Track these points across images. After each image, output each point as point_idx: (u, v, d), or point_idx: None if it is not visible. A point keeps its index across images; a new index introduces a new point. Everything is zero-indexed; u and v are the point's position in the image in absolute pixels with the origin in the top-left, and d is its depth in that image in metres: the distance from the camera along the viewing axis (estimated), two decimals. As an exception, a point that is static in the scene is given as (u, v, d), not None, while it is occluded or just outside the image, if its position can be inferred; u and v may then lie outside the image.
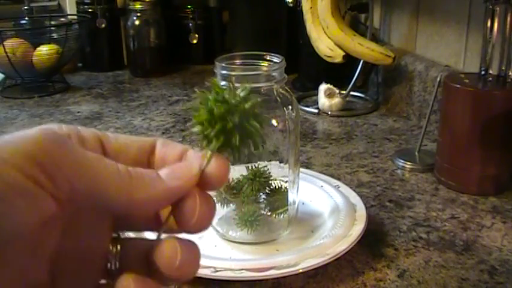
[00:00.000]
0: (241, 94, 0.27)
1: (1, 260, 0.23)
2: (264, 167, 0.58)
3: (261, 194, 0.59)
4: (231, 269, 0.50)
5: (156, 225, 0.29)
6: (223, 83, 0.55)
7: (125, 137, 0.30)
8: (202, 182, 0.28)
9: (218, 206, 0.59)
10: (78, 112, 1.07)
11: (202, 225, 0.27)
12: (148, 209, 0.27)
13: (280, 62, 0.56)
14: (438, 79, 0.77)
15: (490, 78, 0.68)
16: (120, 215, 0.28)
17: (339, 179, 0.70)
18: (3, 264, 0.23)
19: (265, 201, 0.59)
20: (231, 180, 0.58)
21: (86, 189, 0.24)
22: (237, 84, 0.28)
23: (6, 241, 0.22)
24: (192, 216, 0.27)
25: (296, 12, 1.13)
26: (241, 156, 0.28)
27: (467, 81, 0.69)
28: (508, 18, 0.65)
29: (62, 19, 1.40)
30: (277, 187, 0.59)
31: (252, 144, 0.28)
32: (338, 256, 0.52)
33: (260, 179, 0.57)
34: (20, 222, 0.23)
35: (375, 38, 1.10)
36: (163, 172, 0.27)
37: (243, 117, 0.27)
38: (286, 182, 0.58)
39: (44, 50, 1.20)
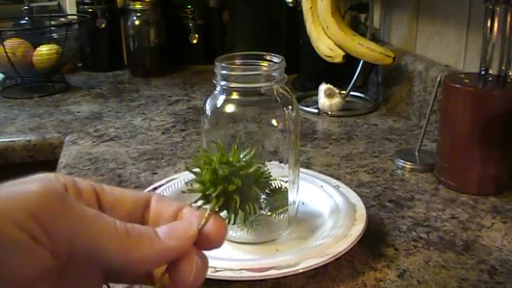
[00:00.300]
0: (245, 158, 0.27)
1: None
2: (264, 167, 0.58)
3: (261, 194, 0.59)
4: (231, 269, 0.50)
5: (147, 279, 0.29)
6: (223, 82, 0.55)
7: (120, 190, 0.30)
8: (200, 241, 0.28)
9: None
10: (78, 112, 1.07)
11: (197, 283, 0.27)
12: (144, 267, 0.27)
13: (280, 62, 0.56)
14: (438, 79, 0.77)
15: (490, 78, 0.68)
16: (115, 271, 0.28)
17: (339, 179, 0.70)
18: None
19: (265, 201, 0.59)
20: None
21: (84, 247, 0.24)
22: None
23: None
24: (188, 276, 0.27)
25: (296, 12, 1.13)
26: (237, 219, 0.28)
27: (467, 81, 0.69)
28: (508, 18, 0.65)
29: (62, 19, 1.40)
30: (277, 187, 0.59)
31: (250, 208, 0.28)
32: (338, 256, 0.52)
33: (260, 179, 0.57)
34: (18, 275, 0.23)
35: (375, 38, 1.10)
36: (161, 231, 0.27)
37: (246, 181, 0.27)
38: (286, 182, 0.58)
39: (44, 50, 1.20)
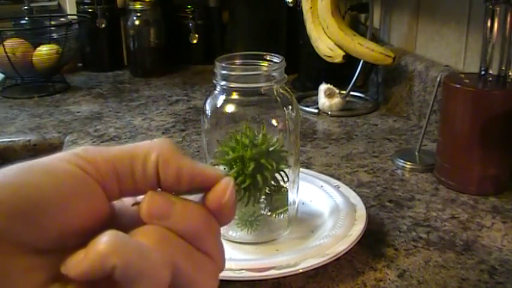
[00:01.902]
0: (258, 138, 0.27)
1: None
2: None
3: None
4: (231, 269, 0.50)
5: None
6: (223, 82, 0.55)
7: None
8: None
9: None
10: (78, 112, 1.07)
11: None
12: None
13: (280, 62, 0.56)
14: (438, 79, 0.77)
15: (490, 78, 0.68)
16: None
17: (339, 179, 0.70)
18: None
19: (265, 201, 0.59)
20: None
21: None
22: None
23: None
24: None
25: (296, 12, 1.13)
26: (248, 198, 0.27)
27: (467, 81, 0.69)
28: (508, 18, 0.65)
29: (62, 19, 1.40)
30: (277, 187, 0.59)
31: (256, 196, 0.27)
32: (338, 256, 0.52)
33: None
34: (78, 212, 0.24)
35: (375, 38, 1.10)
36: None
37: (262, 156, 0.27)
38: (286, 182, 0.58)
39: (44, 50, 1.20)
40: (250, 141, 0.25)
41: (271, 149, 0.27)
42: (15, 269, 0.22)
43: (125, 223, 0.27)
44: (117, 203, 0.27)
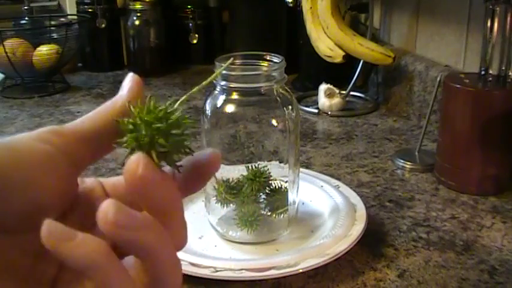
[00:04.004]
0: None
1: None
2: (264, 167, 0.58)
3: (261, 194, 0.59)
4: (231, 269, 0.50)
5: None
6: (223, 82, 0.55)
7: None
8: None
9: (218, 206, 0.59)
10: (78, 112, 1.07)
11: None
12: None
13: (280, 62, 0.56)
14: (438, 79, 0.77)
15: (490, 78, 0.68)
16: None
17: (339, 179, 0.70)
18: None
19: (265, 201, 0.59)
20: (231, 180, 0.58)
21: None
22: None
23: None
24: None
25: (296, 12, 1.13)
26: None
27: (467, 81, 0.69)
28: (508, 18, 0.65)
29: (62, 19, 1.40)
30: (277, 187, 0.59)
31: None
32: (338, 256, 0.52)
33: (260, 179, 0.57)
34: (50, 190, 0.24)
35: (375, 38, 1.10)
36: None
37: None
38: (286, 182, 0.58)
39: (44, 50, 1.20)
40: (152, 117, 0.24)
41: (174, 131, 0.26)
42: None
43: (89, 201, 0.27)
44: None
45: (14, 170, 0.22)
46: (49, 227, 0.21)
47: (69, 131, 0.25)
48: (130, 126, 0.25)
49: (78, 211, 0.26)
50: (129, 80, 0.28)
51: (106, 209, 0.22)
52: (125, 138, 0.25)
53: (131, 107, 0.26)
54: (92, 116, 0.27)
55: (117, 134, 0.26)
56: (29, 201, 0.23)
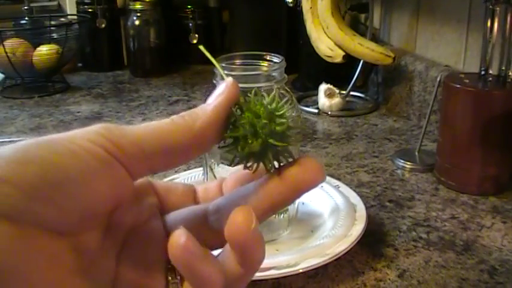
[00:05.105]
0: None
1: None
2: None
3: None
4: (231, 269, 0.50)
5: None
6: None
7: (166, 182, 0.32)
8: None
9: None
10: (78, 112, 1.07)
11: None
12: (208, 133, 0.27)
13: (280, 62, 0.56)
14: (438, 79, 0.77)
15: (490, 78, 0.68)
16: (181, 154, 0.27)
17: (339, 179, 0.70)
18: None
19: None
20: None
21: (152, 146, 0.25)
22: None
23: None
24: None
25: (296, 12, 1.13)
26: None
27: (467, 81, 0.69)
28: (508, 18, 0.65)
29: (62, 19, 1.40)
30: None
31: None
32: (338, 256, 0.52)
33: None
34: (100, 194, 0.24)
35: (375, 38, 1.10)
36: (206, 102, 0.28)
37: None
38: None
39: (44, 50, 1.20)
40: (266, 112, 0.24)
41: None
42: (39, 252, 0.22)
43: (144, 207, 0.28)
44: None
45: (76, 177, 0.23)
46: (187, 243, 0.24)
47: (127, 142, 0.25)
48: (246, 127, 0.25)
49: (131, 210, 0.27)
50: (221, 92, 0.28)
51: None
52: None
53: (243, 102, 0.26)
54: (156, 129, 0.26)
55: (176, 155, 0.26)
56: (86, 207, 0.23)
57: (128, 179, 0.25)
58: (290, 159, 0.27)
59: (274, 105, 0.26)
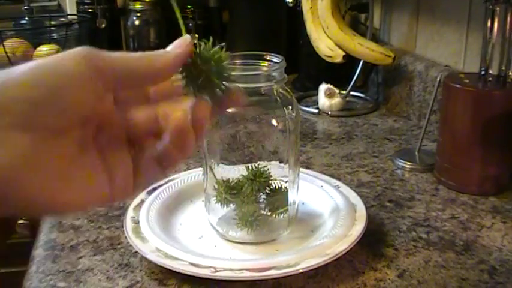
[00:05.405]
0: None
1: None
2: (264, 167, 0.58)
3: (261, 194, 0.59)
4: (231, 269, 0.50)
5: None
6: (223, 82, 0.55)
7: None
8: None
9: (218, 206, 0.59)
10: (78, 112, 1.07)
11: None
12: (166, 73, 0.34)
13: (280, 62, 0.56)
14: (438, 79, 0.77)
15: (490, 78, 0.68)
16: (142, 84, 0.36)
17: (339, 179, 0.70)
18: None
19: (265, 201, 0.59)
20: (231, 180, 0.58)
21: (123, 71, 0.32)
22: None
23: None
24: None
25: (296, 12, 1.14)
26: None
27: (467, 81, 0.69)
28: (508, 18, 0.65)
29: (62, 19, 1.40)
30: (277, 187, 0.59)
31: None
32: (338, 256, 0.52)
33: (260, 179, 0.57)
34: (77, 105, 0.30)
35: (375, 38, 1.10)
36: (168, 48, 0.35)
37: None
38: (286, 182, 0.58)
39: (44, 50, 1.19)
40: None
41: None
42: (49, 150, 0.29)
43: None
44: None
45: (59, 88, 0.29)
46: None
47: (104, 64, 0.31)
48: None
49: (109, 129, 0.34)
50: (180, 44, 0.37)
51: None
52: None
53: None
54: (126, 56, 0.32)
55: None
56: (74, 107, 0.29)
57: (102, 90, 0.31)
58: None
59: (217, 54, 0.38)
